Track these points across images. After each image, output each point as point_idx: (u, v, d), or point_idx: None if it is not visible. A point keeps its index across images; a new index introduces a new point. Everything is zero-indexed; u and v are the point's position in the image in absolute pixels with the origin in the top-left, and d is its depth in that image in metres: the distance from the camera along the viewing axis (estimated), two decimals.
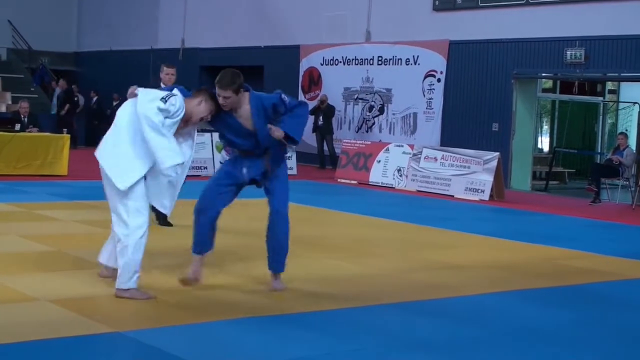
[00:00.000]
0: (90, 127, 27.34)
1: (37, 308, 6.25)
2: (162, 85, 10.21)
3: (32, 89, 28.48)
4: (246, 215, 10.75)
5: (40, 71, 29.61)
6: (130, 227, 6.49)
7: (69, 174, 16.51)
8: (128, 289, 6.53)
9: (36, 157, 16.42)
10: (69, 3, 31.98)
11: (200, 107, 6.77)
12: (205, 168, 18.26)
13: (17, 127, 16.70)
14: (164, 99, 6.51)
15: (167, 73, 10.35)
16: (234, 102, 6.88)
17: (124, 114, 6.68)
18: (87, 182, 15.72)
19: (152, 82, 30.15)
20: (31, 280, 7.13)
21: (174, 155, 6.51)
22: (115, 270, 6.73)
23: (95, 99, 28.72)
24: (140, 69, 28.77)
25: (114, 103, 27.73)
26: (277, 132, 6.88)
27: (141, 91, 6.67)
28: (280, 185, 7.17)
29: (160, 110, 6.46)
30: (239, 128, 6.99)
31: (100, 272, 7.18)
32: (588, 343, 6.20)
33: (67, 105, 26.14)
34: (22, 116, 17.17)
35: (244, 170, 7.07)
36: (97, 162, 6.64)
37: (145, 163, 6.54)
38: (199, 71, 26.73)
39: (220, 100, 6.85)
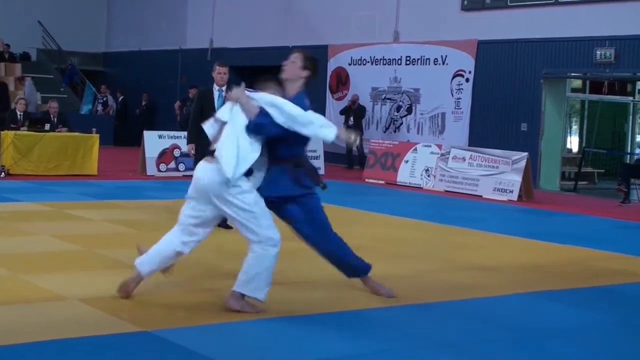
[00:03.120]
0: (115, 127, 27.30)
1: (67, 307, 6.29)
2: (215, 87, 10.22)
3: (62, 89, 28.71)
4: None
5: (69, 71, 29.83)
6: (267, 239, 6.24)
7: (98, 173, 16.62)
8: (244, 298, 6.25)
9: (66, 157, 16.52)
10: (99, 4, 32.20)
11: None
12: None
13: (47, 127, 16.83)
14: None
15: (220, 72, 10.39)
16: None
17: (238, 123, 6.40)
18: (116, 182, 15.83)
19: (180, 82, 30.14)
20: (61, 279, 7.18)
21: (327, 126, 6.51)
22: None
23: (120, 99, 28.81)
24: (168, 69, 28.91)
25: (143, 103, 27.86)
26: None
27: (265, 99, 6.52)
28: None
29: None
30: None
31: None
32: (614, 344, 6.17)
33: None
34: (52, 116, 17.29)
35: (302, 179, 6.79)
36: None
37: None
38: (227, 71, 26.76)
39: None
